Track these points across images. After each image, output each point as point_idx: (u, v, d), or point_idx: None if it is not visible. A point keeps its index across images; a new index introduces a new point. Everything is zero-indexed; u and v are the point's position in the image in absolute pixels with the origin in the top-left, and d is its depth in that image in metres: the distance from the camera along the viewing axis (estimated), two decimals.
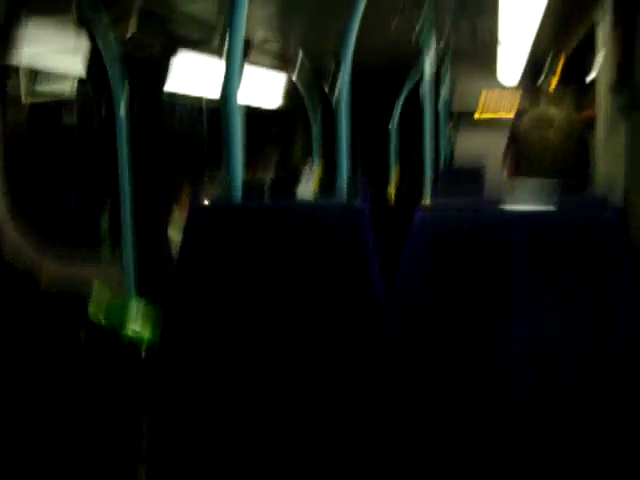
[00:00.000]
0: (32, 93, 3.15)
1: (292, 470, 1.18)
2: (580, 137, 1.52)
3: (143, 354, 2.36)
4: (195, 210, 1.28)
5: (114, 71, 2.95)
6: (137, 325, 2.43)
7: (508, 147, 1.57)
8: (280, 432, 1.19)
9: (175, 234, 4.26)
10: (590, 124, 2.81)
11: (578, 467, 1.01)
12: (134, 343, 2.36)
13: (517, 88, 6.88)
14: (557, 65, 4.88)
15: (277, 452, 1.19)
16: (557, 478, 1.01)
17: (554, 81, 4.99)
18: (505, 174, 1.59)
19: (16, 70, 3.07)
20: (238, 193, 1.58)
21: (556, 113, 1.52)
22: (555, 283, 1.02)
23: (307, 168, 6.28)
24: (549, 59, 5.10)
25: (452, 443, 1.04)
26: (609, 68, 2.65)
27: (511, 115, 6.94)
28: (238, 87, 1.65)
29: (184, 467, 1.25)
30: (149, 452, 1.31)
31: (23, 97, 3.03)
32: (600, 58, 2.73)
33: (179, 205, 4.39)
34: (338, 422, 1.16)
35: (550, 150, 1.48)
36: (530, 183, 1.49)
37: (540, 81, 5.55)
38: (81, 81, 3.39)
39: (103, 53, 2.91)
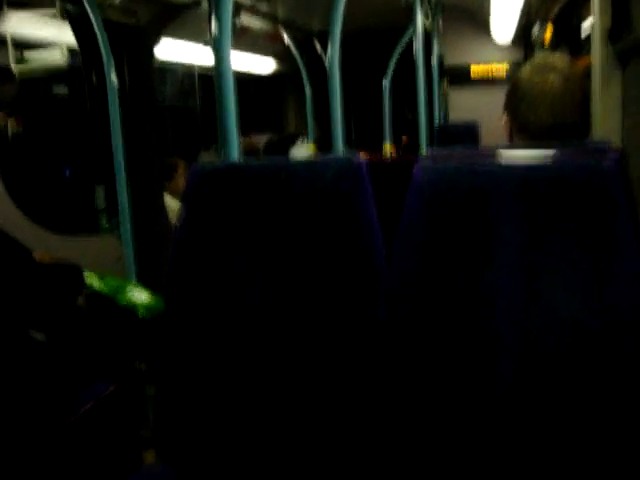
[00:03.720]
0: (21, 62, 3.12)
1: (297, 438, 1.19)
2: (581, 82, 1.51)
3: (140, 315, 2.37)
4: (194, 171, 1.27)
5: (103, 38, 2.92)
6: (134, 289, 2.44)
7: (508, 96, 1.55)
8: (285, 397, 1.19)
9: (171, 201, 4.26)
10: (587, 73, 2.79)
11: (572, 440, 1.01)
12: (130, 307, 2.37)
13: (511, 42, 6.83)
14: (551, 16, 4.82)
15: (281, 418, 1.20)
16: (549, 451, 1.01)
17: (548, 33, 4.94)
18: (504, 125, 1.58)
19: (4, 39, 3.03)
20: (235, 155, 1.57)
21: (556, 59, 1.51)
22: (554, 232, 1.01)
23: (301, 137, 6.27)
24: (543, 10, 5.04)
25: (448, 403, 1.04)
26: (604, 15, 2.62)
27: (504, 69, 6.93)
28: (229, 50, 1.63)
29: (191, 431, 1.26)
30: (156, 414, 1.32)
31: (12, 66, 2.99)
32: (595, 5, 2.70)
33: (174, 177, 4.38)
34: (341, 379, 1.17)
35: (552, 93, 1.47)
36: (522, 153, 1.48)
37: (534, 34, 5.50)
38: (72, 50, 3.35)
39: (91, 20, 2.87)
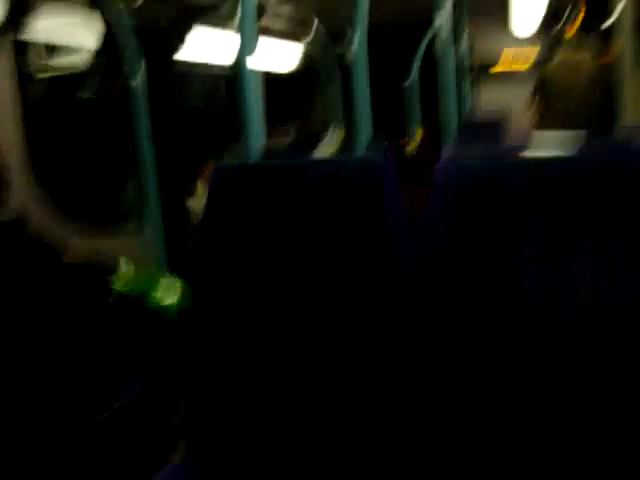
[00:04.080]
0: (45, 67, 3.17)
1: (326, 417, 1.20)
2: (606, 80, 1.53)
3: (169, 318, 2.38)
4: (218, 170, 1.28)
5: (127, 42, 2.94)
6: (162, 290, 2.45)
7: (534, 92, 1.58)
8: (310, 386, 1.20)
9: (196, 204, 4.28)
10: (611, 69, 2.77)
11: (596, 420, 1.00)
12: (159, 309, 2.39)
13: (535, 38, 6.77)
14: (576, 12, 4.78)
15: (311, 414, 1.20)
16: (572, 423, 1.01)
17: (572, 29, 4.90)
18: (530, 120, 1.59)
19: (29, 45, 3.08)
20: (258, 155, 1.59)
21: (583, 57, 1.53)
22: (578, 230, 1.01)
23: (329, 132, 6.23)
24: (569, 6, 5.00)
25: (468, 385, 1.05)
26: (630, 10, 2.60)
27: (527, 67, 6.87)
28: (253, 50, 1.64)
29: (223, 424, 1.27)
30: (187, 409, 1.33)
31: (36, 71, 3.04)
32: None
33: (202, 178, 4.40)
34: (362, 369, 1.17)
35: (578, 91, 1.49)
36: (555, 134, 1.49)
37: (557, 30, 5.45)
38: (97, 53, 3.40)
39: (114, 24, 2.90)
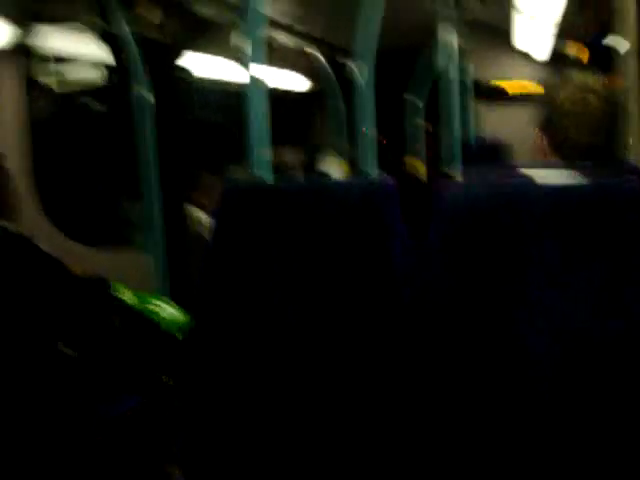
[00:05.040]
0: (62, 81, 3.18)
1: (324, 449, 1.19)
2: (618, 104, 1.53)
3: (179, 337, 2.37)
4: (227, 190, 1.28)
5: (133, 55, 2.95)
6: (171, 309, 2.45)
7: (546, 114, 1.56)
8: (312, 414, 1.19)
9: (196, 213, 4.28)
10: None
11: (596, 435, 1.00)
12: (169, 327, 2.38)
13: (541, 60, 6.78)
14: (583, 36, 4.78)
15: (311, 441, 1.19)
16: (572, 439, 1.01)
17: (584, 51, 4.90)
18: (537, 143, 1.58)
19: (45, 58, 3.09)
20: (268, 174, 1.58)
21: (595, 80, 1.53)
22: (585, 253, 1.01)
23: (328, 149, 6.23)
24: (575, 29, 5.01)
25: (473, 417, 1.04)
26: (635, 33, 2.60)
27: (533, 87, 6.86)
28: (261, 68, 1.64)
29: (218, 449, 1.27)
30: (181, 432, 1.32)
31: (54, 85, 3.05)
32: (628, 24, 2.67)
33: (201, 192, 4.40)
34: (360, 387, 1.16)
35: (591, 113, 1.49)
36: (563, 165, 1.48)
37: (566, 53, 5.46)
38: (110, 68, 3.41)
39: (121, 38, 2.91)
